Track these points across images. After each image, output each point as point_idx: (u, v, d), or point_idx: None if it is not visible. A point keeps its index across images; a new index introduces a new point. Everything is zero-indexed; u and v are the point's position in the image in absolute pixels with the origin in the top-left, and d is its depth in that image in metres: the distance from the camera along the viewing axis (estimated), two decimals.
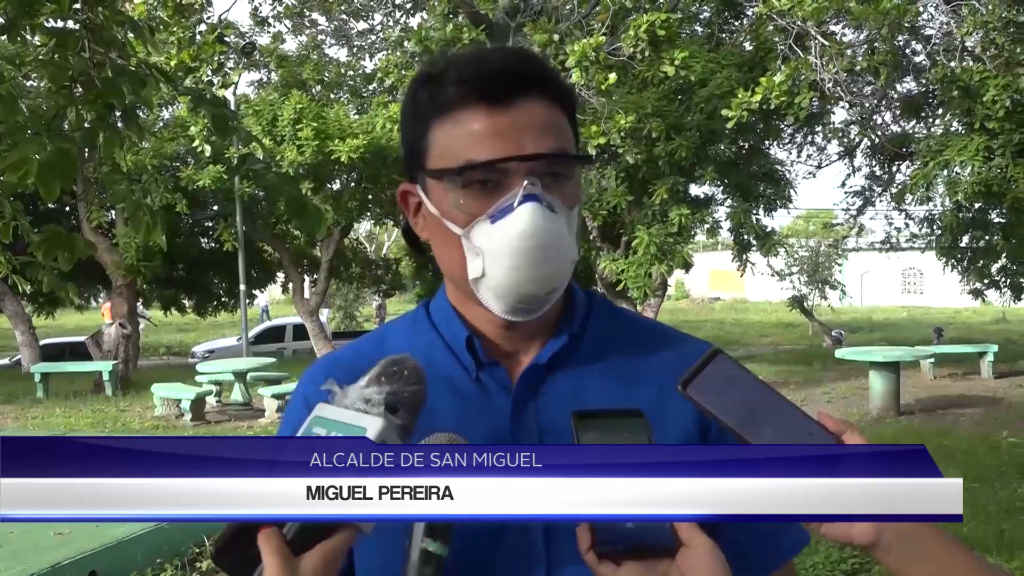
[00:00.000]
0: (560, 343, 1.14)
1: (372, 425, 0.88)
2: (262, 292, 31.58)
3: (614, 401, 1.08)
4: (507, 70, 1.03)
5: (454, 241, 1.07)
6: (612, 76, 11.19)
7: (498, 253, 1.03)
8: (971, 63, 13.90)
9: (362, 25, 21.48)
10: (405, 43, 15.80)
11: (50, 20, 3.13)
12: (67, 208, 22.50)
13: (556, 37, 11.89)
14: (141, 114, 3.71)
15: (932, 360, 15.75)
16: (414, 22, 19.26)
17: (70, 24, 3.10)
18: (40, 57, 3.05)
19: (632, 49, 11.19)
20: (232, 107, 3.55)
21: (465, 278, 1.07)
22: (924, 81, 16.22)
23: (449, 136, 1.04)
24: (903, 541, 0.92)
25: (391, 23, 20.40)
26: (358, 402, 0.92)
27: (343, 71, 21.52)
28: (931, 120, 17.49)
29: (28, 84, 15.92)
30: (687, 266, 16.36)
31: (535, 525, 1.07)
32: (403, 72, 14.95)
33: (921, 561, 0.92)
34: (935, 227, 18.82)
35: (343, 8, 20.34)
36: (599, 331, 1.19)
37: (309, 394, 1.17)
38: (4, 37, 3.34)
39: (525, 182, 1.01)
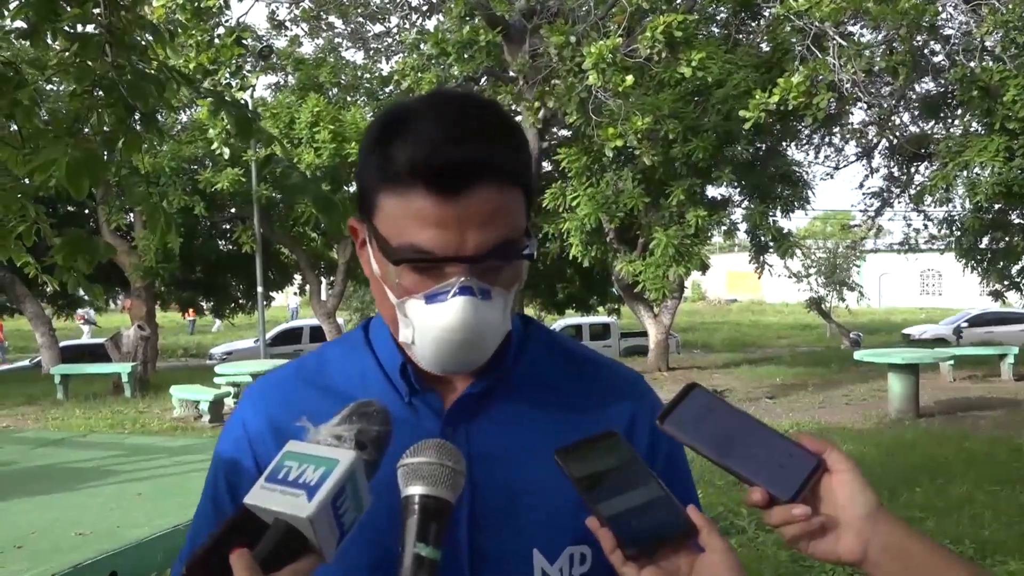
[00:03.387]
0: (493, 376, 1.16)
1: (344, 457, 0.92)
2: (290, 294, 31.75)
3: (545, 428, 1.13)
4: (463, 162, 1.00)
5: (390, 302, 1.09)
6: (629, 78, 11.18)
7: (426, 334, 1.04)
8: (991, 63, 13.82)
9: (378, 28, 21.57)
10: (421, 45, 15.82)
11: (70, 25, 3.15)
12: (87, 211, 22.67)
13: (573, 39, 11.88)
14: (160, 117, 3.73)
15: (951, 362, 15.66)
16: (430, 24, 19.30)
17: (92, 28, 3.12)
18: (63, 60, 3.07)
19: (649, 51, 11.18)
20: (251, 110, 3.56)
21: (397, 331, 1.10)
22: (943, 81, 16.14)
23: (395, 209, 1.03)
24: (890, 554, 0.91)
25: (407, 26, 20.46)
26: (329, 438, 0.95)
27: (360, 74, 21.58)
28: (950, 121, 17.39)
29: (48, 88, 16.06)
30: (704, 268, 16.36)
31: (461, 546, 1.10)
32: (419, 74, 14.98)
33: (911, 573, 0.91)
34: (954, 228, 18.71)
35: (360, 11, 20.41)
36: (534, 360, 1.22)
37: (247, 416, 1.21)
38: (27, 42, 3.36)
39: (462, 276, 1.02)
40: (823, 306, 27.74)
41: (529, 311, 25.32)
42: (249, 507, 0.91)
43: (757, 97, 11.99)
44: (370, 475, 0.95)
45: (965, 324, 27.66)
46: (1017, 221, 17.34)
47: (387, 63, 21.82)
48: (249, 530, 0.91)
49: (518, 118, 16.92)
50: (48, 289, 22.12)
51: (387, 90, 20.81)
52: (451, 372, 1.10)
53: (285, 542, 0.89)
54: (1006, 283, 19.83)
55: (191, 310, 28.29)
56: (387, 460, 1.00)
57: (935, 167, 15.59)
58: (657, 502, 0.96)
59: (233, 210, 21.69)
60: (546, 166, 18.37)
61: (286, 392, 1.21)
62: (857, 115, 38.56)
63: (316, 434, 0.96)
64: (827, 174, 23.19)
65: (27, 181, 3.01)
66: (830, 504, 0.94)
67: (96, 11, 3.06)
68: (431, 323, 1.03)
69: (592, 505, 0.96)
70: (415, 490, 0.95)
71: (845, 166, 20.26)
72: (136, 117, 3.21)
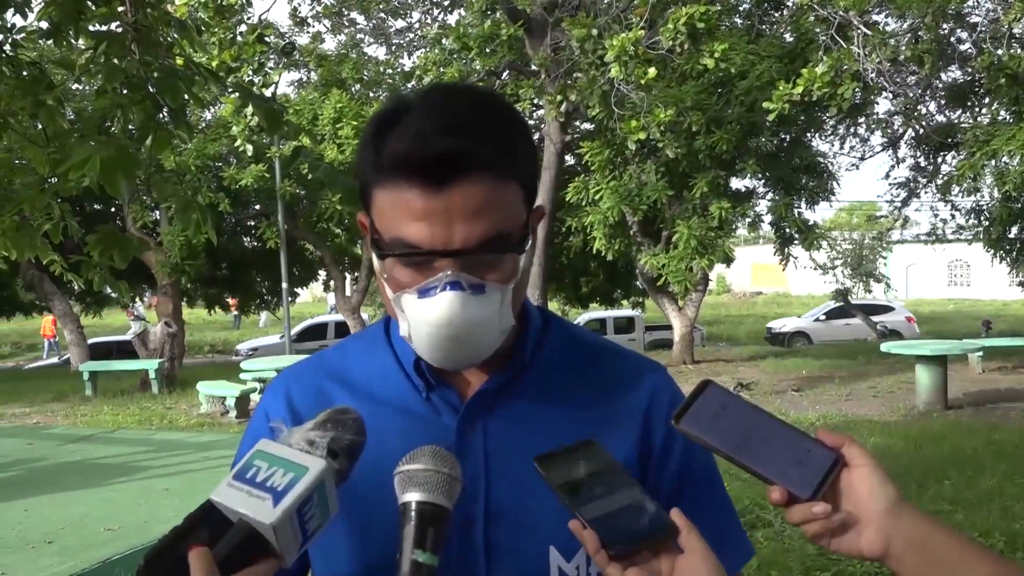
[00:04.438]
0: (510, 372, 1.15)
1: (315, 465, 0.91)
2: (325, 290, 31.95)
3: (562, 423, 1.13)
4: (448, 153, 0.98)
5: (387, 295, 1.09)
6: (652, 70, 11.12)
7: (419, 329, 1.04)
8: (1019, 50, 13.64)
9: (400, 23, 21.60)
10: (443, 40, 15.83)
11: (96, 23, 3.17)
12: (113, 209, 22.86)
13: (594, 32, 11.84)
14: (187, 113, 3.75)
15: (980, 353, 15.47)
16: (452, 19, 19.31)
17: (117, 27, 3.13)
18: (90, 59, 3.09)
19: (671, 42, 11.10)
20: (277, 104, 3.58)
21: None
22: (970, 69, 15.96)
23: (386, 202, 1.03)
24: (913, 548, 0.90)
25: (429, 20, 20.49)
26: (302, 443, 0.94)
27: (382, 69, 21.64)
28: (977, 109, 17.18)
29: (75, 87, 16.19)
30: (728, 260, 16.25)
31: (477, 543, 1.10)
32: (441, 69, 15.00)
33: (935, 566, 0.90)
34: (982, 218, 18.50)
35: (381, 7, 20.44)
36: (552, 354, 1.21)
37: (270, 407, 1.22)
38: (51, 42, 3.39)
39: (449, 271, 1.00)
40: (849, 298, 27.58)
41: (553, 305, 25.30)
42: (215, 503, 0.91)
43: (781, 88, 11.90)
44: (339, 483, 0.95)
45: (823, 317, 28.07)
46: None
47: (409, 58, 21.90)
48: (212, 526, 0.90)
49: (540, 112, 16.89)
50: (76, 287, 22.39)
51: (409, 85, 20.83)
52: (448, 368, 1.09)
53: (246, 544, 0.89)
54: None
55: (228, 303, 28.28)
56: (393, 460, 1.00)
57: (962, 156, 15.40)
58: (638, 505, 0.97)
59: (257, 207, 21.82)
60: (569, 160, 18.33)
61: (308, 384, 1.21)
62: (883, 105, 38.17)
63: (289, 436, 0.95)
64: (852, 165, 23.05)
65: (54, 180, 3.04)
66: (850, 499, 0.93)
67: (121, 9, 3.07)
68: (422, 318, 1.02)
69: (574, 509, 0.96)
70: (411, 497, 0.95)
71: (871, 156, 20.08)
72: (164, 114, 3.24)
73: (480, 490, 1.09)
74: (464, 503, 1.05)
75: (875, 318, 27.24)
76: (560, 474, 1.00)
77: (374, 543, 1.06)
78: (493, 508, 1.10)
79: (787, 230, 16.72)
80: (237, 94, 3.36)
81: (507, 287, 1.06)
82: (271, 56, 16.34)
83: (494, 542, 1.10)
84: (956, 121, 17.63)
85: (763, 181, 16.99)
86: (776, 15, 17.18)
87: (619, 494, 0.98)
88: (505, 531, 1.10)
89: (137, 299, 27.52)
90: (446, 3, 19.89)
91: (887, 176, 20.04)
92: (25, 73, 3.27)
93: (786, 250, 17.56)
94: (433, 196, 0.99)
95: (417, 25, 21.17)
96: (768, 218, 16.91)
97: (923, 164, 19.32)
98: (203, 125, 20.28)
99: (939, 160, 18.72)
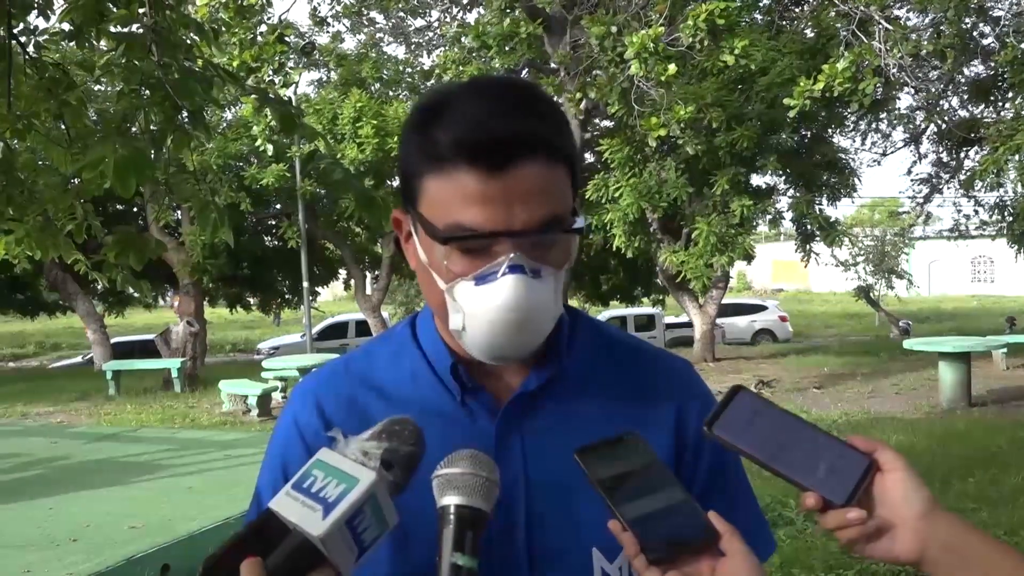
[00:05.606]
0: (548, 372, 1.14)
1: (365, 477, 0.91)
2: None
3: (599, 423, 1.10)
4: (506, 136, 0.98)
5: (438, 289, 1.06)
6: (671, 67, 11.07)
7: (478, 317, 1.02)
8: None
9: (419, 22, 21.63)
10: (463, 39, 15.84)
11: (116, 25, 3.19)
12: (135, 209, 23.02)
13: (614, 29, 11.80)
14: (206, 114, 3.78)
15: (1004, 350, 15.34)
16: (471, 17, 19.31)
17: (137, 28, 3.16)
18: (111, 61, 3.11)
19: (691, 39, 11.06)
20: (294, 106, 3.59)
21: (446, 320, 1.07)
22: (993, 64, 15.81)
23: (440, 190, 1.01)
24: (948, 552, 0.90)
25: (448, 19, 20.49)
26: (357, 453, 0.94)
27: (401, 68, 21.68)
28: (1001, 104, 17.04)
29: (96, 88, 16.31)
30: (749, 257, 16.19)
31: (520, 546, 1.09)
32: (461, 68, 15.01)
33: (970, 570, 0.89)
34: (1006, 213, 18.35)
35: (401, 6, 20.48)
36: (584, 353, 1.20)
37: (299, 414, 1.19)
38: (73, 43, 3.42)
39: (511, 254, 0.99)
40: (871, 295, 27.43)
41: (573, 303, 25.17)
42: (273, 511, 0.91)
43: (802, 84, 11.83)
44: (395, 494, 0.95)
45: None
46: None
47: (428, 57, 21.93)
48: (271, 534, 0.91)
49: None
50: (99, 287, 22.58)
51: (429, 84, 20.87)
52: (504, 357, 1.07)
53: (300, 553, 0.89)
54: None
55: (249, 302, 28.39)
56: (431, 465, 0.99)
57: (985, 151, 15.26)
58: (679, 506, 0.96)
59: (278, 206, 21.92)
60: (588, 157, 18.31)
61: (337, 387, 1.19)
62: (904, 100, 37.97)
63: (345, 446, 0.95)
64: (874, 161, 22.85)
65: (76, 180, 3.07)
66: (884, 504, 0.92)
67: (141, 11, 3.10)
68: (482, 305, 1.01)
69: (614, 507, 0.96)
70: (450, 500, 0.95)
71: (892, 152, 19.96)
72: (184, 115, 3.25)
73: (521, 493, 1.09)
74: (505, 506, 1.04)
75: (749, 317, 27.37)
76: (601, 469, 0.99)
77: (414, 548, 1.05)
78: (535, 511, 1.09)
79: (808, 227, 16.64)
80: (254, 96, 3.38)
81: (560, 272, 1.06)
82: (291, 56, 16.40)
83: (537, 545, 1.09)
84: (979, 116, 17.49)
85: (784, 178, 16.91)
86: (796, 11, 17.08)
87: (660, 494, 0.97)
88: (548, 534, 1.09)
89: (158, 299, 27.73)
90: (465, 1, 19.90)
91: (909, 172, 19.93)
92: (48, 75, 3.30)
93: (807, 247, 17.48)
94: (491, 179, 0.98)
95: (436, 24, 21.20)
96: (789, 215, 16.83)
97: (946, 159, 19.19)
98: (224, 125, 20.40)
99: (962, 155, 18.59)
